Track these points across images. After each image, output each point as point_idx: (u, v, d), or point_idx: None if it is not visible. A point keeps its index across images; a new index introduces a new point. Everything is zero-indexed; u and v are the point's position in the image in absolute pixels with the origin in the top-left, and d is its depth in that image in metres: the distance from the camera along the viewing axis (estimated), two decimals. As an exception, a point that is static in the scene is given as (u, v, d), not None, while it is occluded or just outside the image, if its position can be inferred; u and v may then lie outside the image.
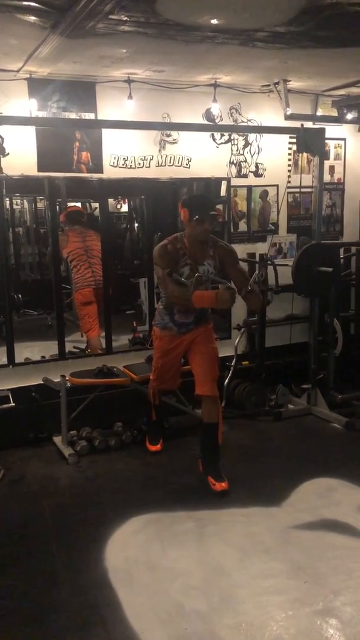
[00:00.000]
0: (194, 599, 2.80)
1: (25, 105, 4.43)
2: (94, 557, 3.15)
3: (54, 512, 3.64)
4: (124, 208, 9.15)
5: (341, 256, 5.64)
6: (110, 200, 7.48)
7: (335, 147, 5.79)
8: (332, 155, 5.77)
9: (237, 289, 3.65)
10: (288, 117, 5.00)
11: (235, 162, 5.32)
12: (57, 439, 4.53)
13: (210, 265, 3.81)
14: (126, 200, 8.93)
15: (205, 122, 5.06)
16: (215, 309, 3.89)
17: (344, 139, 5.83)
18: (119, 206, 9.05)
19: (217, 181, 5.34)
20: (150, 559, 3.13)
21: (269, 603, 2.77)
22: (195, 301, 3.58)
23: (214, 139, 5.19)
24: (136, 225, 8.87)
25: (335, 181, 5.87)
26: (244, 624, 2.64)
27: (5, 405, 4.33)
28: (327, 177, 5.59)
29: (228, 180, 5.30)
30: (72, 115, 4.61)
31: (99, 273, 5.28)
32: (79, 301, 5.42)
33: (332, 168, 5.79)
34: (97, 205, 7.52)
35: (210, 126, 5.08)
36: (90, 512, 3.61)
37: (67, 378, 4.46)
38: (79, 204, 6.55)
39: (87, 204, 8.13)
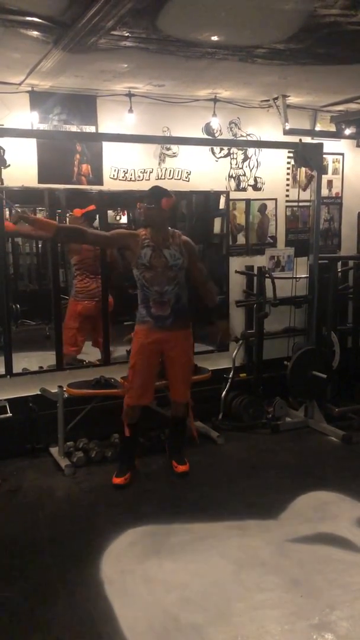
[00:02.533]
0: (190, 612, 2.79)
1: (27, 117, 4.47)
2: (90, 569, 3.14)
3: (50, 523, 3.63)
4: (123, 219, 9.19)
5: (338, 270, 5.68)
6: (110, 212, 7.51)
7: (333, 162, 5.85)
8: (330, 170, 5.82)
9: (197, 284, 4.16)
10: (287, 132, 5.06)
11: (234, 175, 5.36)
12: (54, 450, 4.52)
13: (176, 251, 3.98)
14: (125, 212, 8.97)
15: (205, 136, 5.10)
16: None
17: (342, 154, 5.88)
18: (118, 217, 9.08)
19: (216, 194, 5.38)
20: (146, 572, 3.11)
21: (264, 617, 2.76)
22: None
23: (213, 153, 5.24)
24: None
25: (334, 195, 5.92)
26: (239, 637, 2.63)
27: (3, 416, 4.34)
28: (325, 192, 5.64)
29: (227, 193, 5.34)
30: (73, 128, 4.65)
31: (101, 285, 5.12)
32: (76, 312, 5.13)
33: (330, 182, 5.84)
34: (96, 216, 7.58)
35: (210, 140, 5.12)
36: (86, 524, 3.60)
37: (64, 389, 4.47)
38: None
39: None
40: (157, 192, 4.01)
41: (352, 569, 3.13)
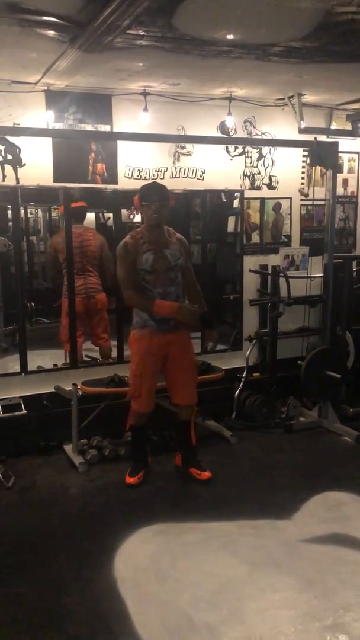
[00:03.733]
0: (203, 611, 2.79)
1: (43, 116, 4.49)
2: (103, 567, 3.15)
3: (63, 520, 3.65)
4: (137, 218, 9.19)
5: (354, 269, 5.64)
6: (123, 211, 7.53)
7: (349, 161, 5.81)
8: (345, 169, 5.78)
9: (186, 286, 4.00)
10: (302, 131, 5.02)
11: (248, 174, 5.35)
12: (68, 448, 4.55)
13: (176, 250, 3.89)
14: (138, 211, 8.95)
15: (220, 134, 5.10)
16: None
17: (358, 153, 5.84)
18: (131, 216, 9.10)
19: (231, 193, 5.36)
20: (159, 570, 3.12)
21: (278, 617, 2.75)
22: (156, 310, 3.79)
23: (227, 152, 5.23)
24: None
25: (349, 194, 5.88)
26: (252, 638, 2.62)
27: (17, 413, 4.37)
28: (340, 190, 5.60)
29: (241, 192, 5.33)
30: (88, 127, 4.67)
31: (93, 281, 5.17)
32: (65, 309, 5.01)
33: (345, 181, 5.80)
34: (109, 215, 7.59)
35: (225, 139, 5.12)
36: (99, 522, 3.62)
37: (78, 387, 4.49)
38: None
39: (101, 214, 8.19)
40: (164, 189, 3.91)
41: (366, 570, 3.12)
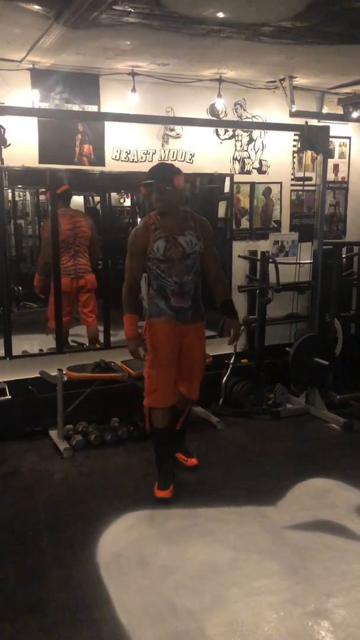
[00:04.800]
0: (186, 597, 2.78)
1: (28, 95, 4.39)
2: (86, 553, 3.13)
3: (47, 506, 3.62)
4: (127, 202, 9.09)
5: (343, 255, 5.61)
6: (114, 194, 7.43)
7: (340, 146, 5.75)
8: (336, 154, 5.73)
9: (205, 271, 3.68)
10: (293, 114, 4.96)
11: (238, 158, 5.28)
12: (53, 433, 4.51)
13: (193, 236, 3.56)
14: (129, 195, 8.89)
15: (210, 117, 5.02)
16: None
17: (349, 138, 5.78)
18: (122, 200, 9.01)
19: (221, 177, 5.30)
20: (142, 556, 3.10)
21: (260, 603, 2.74)
22: (124, 318, 3.67)
23: (217, 135, 5.15)
24: (139, 219, 8.83)
25: (340, 180, 5.82)
26: (234, 623, 2.61)
27: (2, 398, 4.31)
28: (331, 176, 5.55)
29: (231, 176, 5.26)
30: (75, 107, 4.57)
31: (82, 262, 5.32)
32: (53, 289, 5.06)
33: (336, 166, 5.75)
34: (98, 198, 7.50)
35: (215, 121, 5.04)
36: (83, 507, 3.59)
37: (64, 372, 4.44)
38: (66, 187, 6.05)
39: (90, 198, 8.10)
40: (167, 171, 3.53)
41: (349, 556, 3.11)
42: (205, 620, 2.63)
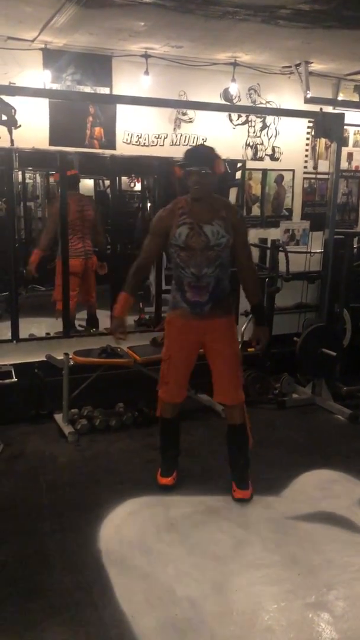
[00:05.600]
0: (186, 585, 2.77)
1: (39, 76, 4.35)
2: (88, 538, 3.13)
3: (51, 489, 3.62)
4: (138, 187, 9.02)
5: (355, 246, 5.54)
6: (124, 179, 7.37)
7: (354, 134, 5.66)
8: (351, 142, 5.64)
9: (237, 268, 3.42)
10: (308, 101, 4.88)
11: (251, 144, 5.22)
12: (58, 417, 4.51)
13: (221, 227, 3.24)
14: (139, 179, 8.82)
15: (223, 102, 4.95)
16: None
17: (364, 126, 5.69)
18: (132, 185, 8.94)
19: (233, 163, 5.22)
20: (144, 543, 3.10)
21: (261, 593, 2.74)
22: (119, 295, 3.50)
23: (230, 120, 5.09)
24: (149, 204, 8.78)
25: (353, 169, 5.74)
26: (234, 612, 2.61)
27: (8, 381, 4.31)
28: (344, 165, 5.47)
29: (243, 162, 5.19)
30: (87, 89, 4.53)
31: (89, 244, 5.46)
32: (62, 269, 5.13)
33: (350, 155, 5.66)
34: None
35: (229, 106, 4.97)
36: (86, 492, 3.59)
37: (70, 356, 4.43)
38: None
39: (100, 182, 8.04)
40: (209, 154, 3.23)
41: (351, 549, 3.10)
42: (205, 608, 2.63)
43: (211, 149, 3.29)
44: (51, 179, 5.34)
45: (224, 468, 3.82)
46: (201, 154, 3.24)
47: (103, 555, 3.00)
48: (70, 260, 5.08)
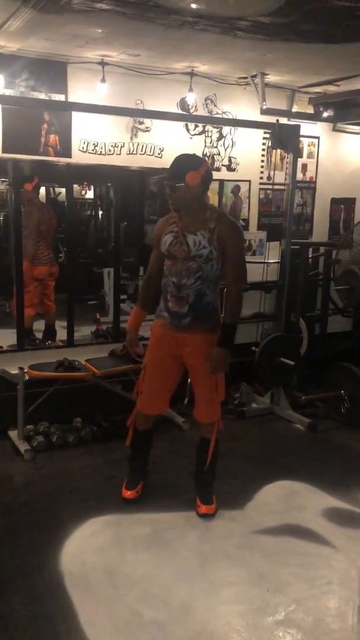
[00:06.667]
0: (153, 608, 2.69)
1: (-8, 81, 4.20)
2: (49, 561, 3.00)
3: (7, 511, 3.46)
4: (89, 194, 8.91)
5: (309, 256, 5.61)
6: (75, 186, 7.26)
7: (308, 145, 5.74)
8: (305, 154, 5.71)
9: (226, 283, 3.31)
10: (264, 112, 4.91)
11: (208, 154, 5.20)
12: (13, 434, 4.34)
13: (204, 239, 3.15)
14: (91, 187, 8.71)
15: (180, 111, 4.92)
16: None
17: (318, 138, 5.77)
18: (83, 192, 8.82)
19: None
20: (108, 564, 3.00)
21: (230, 612, 2.68)
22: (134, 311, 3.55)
23: (187, 130, 5.06)
24: (100, 213, 8.68)
25: (308, 180, 5.82)
26: (204, 635, 2.55)
27: None
28: (299, 176, 5.53)
29: (200, 172, 5.16)
30: (41, 96, 4.40)
31: (52, 252, 5.70)
32: (30, 275, 5.31)
33: (304, 166, 5.74)
34: (61, 190, 7.35)
35: (186, 116, 4.94)
36: (45, 513, 3.46)
37: (25, 370, 4.28)
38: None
39: (51, 189, 7.89)
40: (181, 165, 3.14)
41: (318, 562, 3.09)
42: (173, 631, 2.56)
43: (187, 160, 3.22)
44: (27, 187, 5.25)
45: (187, 483, 3.77)
46: (174, 167, 3.18)
47: (65, 579, 2.88)
48: (37, 268, 5.39)
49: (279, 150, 5.24)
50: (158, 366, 3.39)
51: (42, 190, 7.35)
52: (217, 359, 3.23)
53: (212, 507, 3.48)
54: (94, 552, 3.09)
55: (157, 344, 3.39)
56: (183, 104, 4.90)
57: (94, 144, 4.66)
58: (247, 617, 2.66)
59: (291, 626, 2.62)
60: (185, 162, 3.18)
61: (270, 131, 4.81)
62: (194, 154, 3.44)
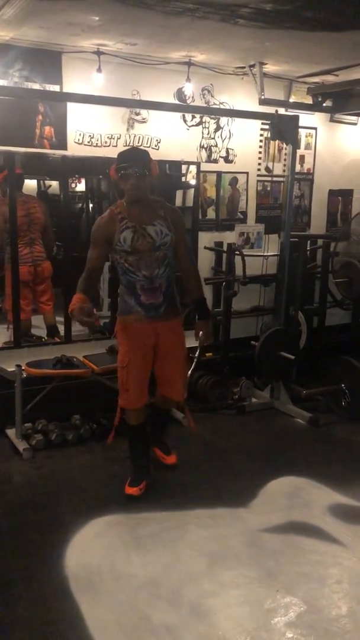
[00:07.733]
0: (162, 611, 2.63)
1: (-16, 71, 4.08)
2: (53, 564, 2.94)
3: (7, 512, 3.39)
4: (80, 187, 8.76)
5: (307, 248, 5.55)
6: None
7: (306, 136, 5.67)
8: (302, 145, 5.64)
9: (178, 264, 3.45)
10: (262, 102, 4.82)
11: (205, 146, 5.11)
12: (11, 432, 4.26)
13: (163, 226, 3.29)
14: (81, 180, 8.57)
15: (177, 102, 4.82)
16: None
17: (315, 128, 5.71)
18: (73, 185, 8.67)
19: (176, 165, 5.11)
20: (114, 566, 2.94)
21: (240, 614, 2.63)
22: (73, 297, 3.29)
23: (184, 121, 4.97)
24: (91, 206, 8.55)
25: (305, 171, 5.75)
26: (214, 638, 2.49)
27: None
28: (297, 167, 5.45)
29: (198, 164, 5.08)
30: (36, 86, 4.28)
31: (38, 249, 5.23)
32: (9, 278, 4.87)
33: (302, 158, 5.67)
34: (51, 183, 7.22)
35: (183, 107, 4.84)
36: (47, 513, 3.39)
37: (23, 368, 4.19)
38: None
39: (41, 182, 7.75)
40: (142, 156, 3.28)
41: (327, 560, 3.04)
42: (184, 635, 2.50)
43: (145, 152, 3.37)
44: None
45: (190, 480, 3.73)
46: (137, 156, 3.28)
47: (71, 582, 2.82)
48: (20, 268, 4.85)
49: (276, 142, 5.17)
50: (139, 363, 3.45)
51: (33, 183, 7.25)
52: (207, 331, 3.63)
53: (174, 455, 3.94)
54: (99, 554, 3.03)
55: (137, 339, 3.43)
56: (180, 94, 4.81)
57: (89, 135, 4.56)
58: (258, 619, 2.61)
59: (304, 628, 2.57)
60: (143, 154, 3.34)
61: (268, 122, 4.73)
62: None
